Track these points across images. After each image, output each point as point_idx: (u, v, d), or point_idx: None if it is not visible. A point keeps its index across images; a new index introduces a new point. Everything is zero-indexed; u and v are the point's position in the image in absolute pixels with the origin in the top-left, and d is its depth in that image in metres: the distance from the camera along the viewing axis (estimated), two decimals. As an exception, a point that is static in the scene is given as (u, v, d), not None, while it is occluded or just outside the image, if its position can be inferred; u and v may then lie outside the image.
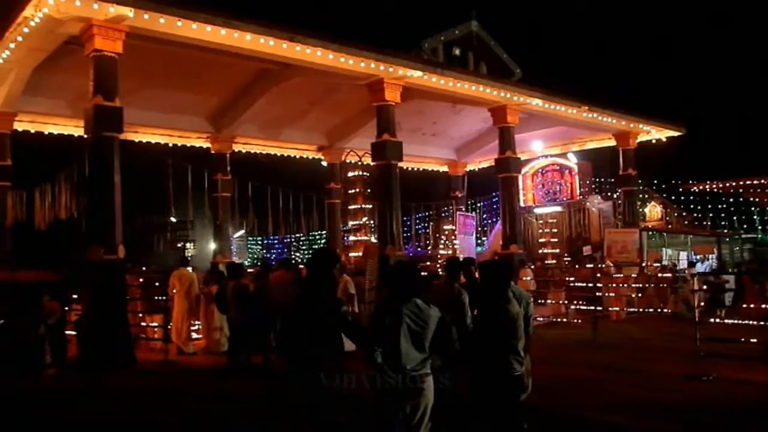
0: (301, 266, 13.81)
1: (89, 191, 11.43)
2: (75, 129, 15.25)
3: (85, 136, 11.27)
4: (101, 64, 10.70)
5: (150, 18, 10.62)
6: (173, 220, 25.65)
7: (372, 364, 4.39)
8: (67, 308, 11.28)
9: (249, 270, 13.87)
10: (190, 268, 13.30)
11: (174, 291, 12.21)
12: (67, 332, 10.88)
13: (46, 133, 16.26)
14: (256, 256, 38.35)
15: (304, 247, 37.56)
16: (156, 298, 12.34)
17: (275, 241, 38.32)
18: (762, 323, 10.06)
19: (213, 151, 18.31)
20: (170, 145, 18.37)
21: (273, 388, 7.53)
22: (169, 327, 11.75)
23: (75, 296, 11.78)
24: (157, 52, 12.64)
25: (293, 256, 32.65)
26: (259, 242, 39.82)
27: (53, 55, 12.16)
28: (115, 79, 10.84)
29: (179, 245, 26.90)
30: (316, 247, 30.57)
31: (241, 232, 30.33)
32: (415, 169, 23.67)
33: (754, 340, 9.47)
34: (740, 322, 11.69)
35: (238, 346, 10.24)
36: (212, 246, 21.30)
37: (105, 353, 10.11)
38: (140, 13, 10.44)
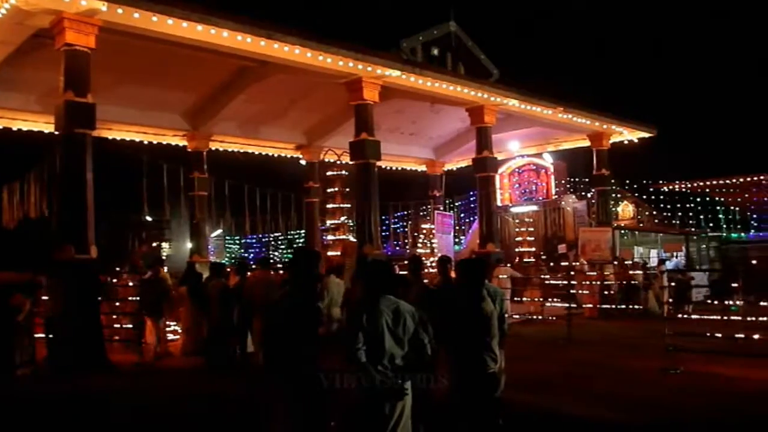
0: (279, 265, 13.82)
1: (60, 189, 11.05)
2: (45, 125, 14.86)
3: (56, 132, 11.01)
4: (73, 59, 10.46)
5: (124, 12, 10.46)
6: (149, 219, 25.42)
7: (354, 363, 4.37)
8: (36, 309, 11.04)
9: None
10: (165, 268, 13.21)
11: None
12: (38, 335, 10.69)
13: (15, 129, 15.80)
14: (234, 255, 38.16)
15: (282, 247, 37.48)
16: (129, 298, 12.26)
17: (253, 241, 38.17)
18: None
19: (190, 149, 18.17)
20: (145, 142, 18.14)
21: (254, 388, 7.52)
22: (145, 328, 11.67)
23: (45, 297, 11.58)
24: (132, 48, 12.48)
25: (272, 256, 32.55)
26: (237, 242, 39.64)
27: (22, 48, 11.89)
28: (87, 74, 10.63)
29: (154, 244, 26.66)
30: (295, 246, 30.54)
31: (219, 231, 30.17)
32: (394, 168, 23.77)
33: (719, 335, 9.74)
34: (706, 317, 11.97)
35: (219, 345, 10.22)
36: (189, 245, 21.17)
37: (76, 354, 9.89)
38: (114, 7, 10.26)
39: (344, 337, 4.58)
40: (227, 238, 35.84)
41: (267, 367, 4.74)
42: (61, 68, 10.53)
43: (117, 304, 12.54)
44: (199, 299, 10.75)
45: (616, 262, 18.43)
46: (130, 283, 12.76)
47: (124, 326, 12.11)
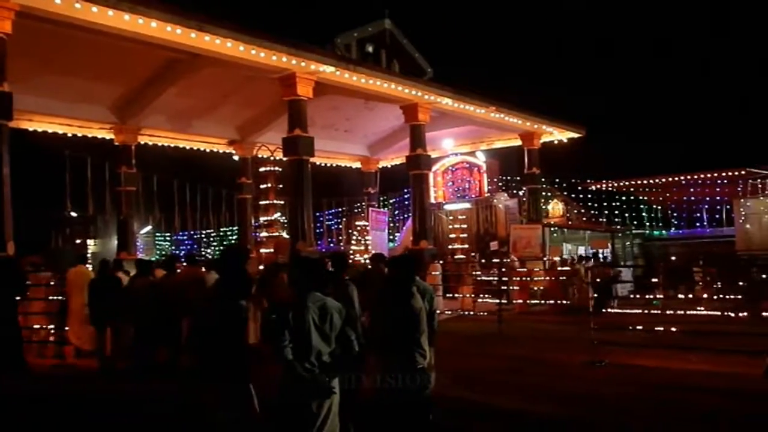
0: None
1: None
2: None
3: (-31, 123, 10.42)
4: (-15, 45, 9.93)
5: (44, -3, 10.00)
6: (73, 215, 24.46)
7: (281, 361, 4.33)
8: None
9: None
10: (89, 266, 12.72)
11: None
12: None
13: None
14: (164, 252, 37.18)
15: (214, 244, 36.74)
16: (50, 298, 11.74)
17: (185, 238, 37.30)
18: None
19: (117, 143, 17.54)
20: (70, 135, 17.45)
21: (185, 388, 7.33)
22: (66, 329, 11.20)
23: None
24: (56, 35, 11.92)
25: (204, 253, 31.90)
26: (168, 238, 38.64)
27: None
28: (3, 61, 10.11)
29: (78, 241, 25.70)
30: (227, 243, 30.01)
31: (148, 227, 29.35)
32: (328, 164, 23.69)
33: (640, 327, 10.15)
34: (628, 311, 12.45)
35: (145, 345, 9.91)
36: (116, 242, 20.48)
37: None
38: (32, -9, 9.82)
39: (270, 334, 4.51)
40: (157, 234, 34.89)
41: (201, 371, 4.64)
42: (-27, 55, 9.97)
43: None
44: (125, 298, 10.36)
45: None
46: (51, 282, 12.21)
47: (43, 327, 11.57)
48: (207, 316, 4.69)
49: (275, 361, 4.36)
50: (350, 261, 10.43)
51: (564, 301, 16.67)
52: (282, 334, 4.32)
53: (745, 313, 11.50)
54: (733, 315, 11.70)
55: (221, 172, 22.05)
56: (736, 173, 26.90)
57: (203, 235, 35.29)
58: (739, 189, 26.64)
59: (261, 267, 14.13)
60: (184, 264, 11.80)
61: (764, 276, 14.86)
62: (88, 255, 20.41)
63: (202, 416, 4.75)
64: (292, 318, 4.34)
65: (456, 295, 17.29)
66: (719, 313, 11.82)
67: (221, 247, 32.65)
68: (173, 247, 38.64)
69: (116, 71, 14.95)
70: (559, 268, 18.50)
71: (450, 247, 21.93)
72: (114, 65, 14.46)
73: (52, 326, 11.37)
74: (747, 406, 7.17)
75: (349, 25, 18.02)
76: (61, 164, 19.36)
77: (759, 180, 26.41)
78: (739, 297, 14.64)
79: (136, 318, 10.13)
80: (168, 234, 35.90)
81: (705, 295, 15.64)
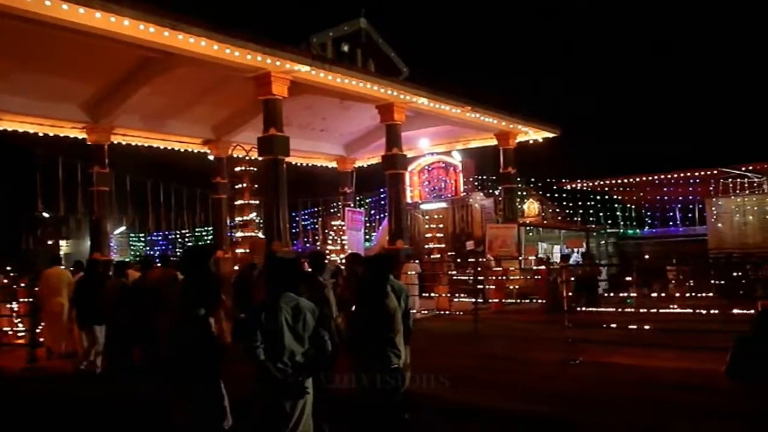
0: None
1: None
2: None
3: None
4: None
5: (10, -8, 9.79)
6: (45, 215, 24.06)
7: (254, 361, 4.31)
8: None
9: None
10: (63, 267, 12.53)
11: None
12: None
13: None
14: (139, 253, 36.74)
15: (190, 244, 36.37)
16: (23, 300, 11.55)
17: (159, 238, 36.88)
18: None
19: (89, 143, 17.32)
20: (41, 134, 17.16)
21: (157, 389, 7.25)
22: (38, 330, 11.03)
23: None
24: (26, 33, 11.73)
25: (179, 253, 31.56)
26: (142, 239, 38.18)
27: None
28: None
29: (50, 242, 25.29)
30: (202, 243, 29.77)
31: (122, 228, 28.98)
32: (304, 164, 23.60)
33: (614, 326, 10.27)
34: (603, 309, 12.58)
35: (119, 346, 9.78)
36: (89, 243, 20.17)
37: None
38: (-2, -13, 9.61)
39: (246, 334, 4.47)
40: (131, 235, 34.46)
41: (170, 371, 4.59)
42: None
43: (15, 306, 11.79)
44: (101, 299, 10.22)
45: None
46: (22, 284, 12.02)
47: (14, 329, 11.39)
48: (174, 319, 4.64)
49: (248, 361, 4.33)
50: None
51: (540, 300, 16.79)
52: (254, 335, 4.29)
53: (717, 311, 11.68)
54: (704, 312, 11.88)
55: (196, 172, 21.85)
56: (709, 173, 27.33)
57: (178, 236, 34.94)
58: (711, 188, 27.07)
59: (236, 267, 14.04)
60: (158, 264, 11.69)
61: (737, 274, 15.14)
62: (61, 256, 20.13)
63: (170, 416, 4.70)
64: (264, 318, 4.31)
65: (432, 294, 17.32)
66: (691, 311, 12.00)
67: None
68: (148, 248, 38.18)
69: (89, 70, 14.75)
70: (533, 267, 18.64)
71: (426, 246, 21.97)
72: (86, 64, 14.26)
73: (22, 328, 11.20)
74: (718, 402, 7.27)
75: (325, 25, 17.97)
76: (31, 164, 19.01)
77: (730, 179, 26.86)
78: (710, 295, 14.91)
79: (108, 319, 10.03)
80: (142, 234, 35.49)
81: (678, 294, 15.88)
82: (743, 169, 26.38)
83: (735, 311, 11.18)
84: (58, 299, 11.30)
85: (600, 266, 19.46)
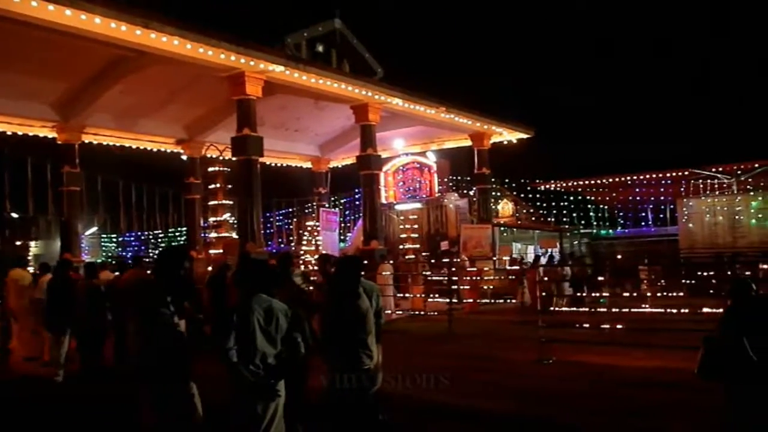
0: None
1: None
2: None
3: None
4: None
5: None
6: (13, 215, 23.62)
7: (226, 363, 4.28)
8: None
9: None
10: (26, 268, 12.32)
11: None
12: None
13: None
14: (111, 254, 36.25)
15: (163, 245, 35.99)
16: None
17: (131, 239, 36.45)
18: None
19: (60, 142, 17.04)
20: (9, 133, 16.83)
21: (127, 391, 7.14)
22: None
23: None
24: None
25: (151, 254, 31.21)
26: (114, 240, 37.69)
27: None
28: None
29: (18, 243, 24.82)
30: (175, 244, 29.46)
31: (93, 228, 28.57)
32: (278, 164, 23.48)
33: (587, 325, 10.38)
34: (576, 309, 12.69)
35: (92, 348, 9.64)
36: (59, 244, 19.83)
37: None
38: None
39: (218, 336, 4.43)
40: (103, 236, 34.00)
41: (140, 372, 4.52)
42: None
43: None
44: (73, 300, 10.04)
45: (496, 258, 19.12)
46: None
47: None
48: (144, 321, 4.58)
49: (222, 362, 4.30)
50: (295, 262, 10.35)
51: (514, 300, 16.90)
52: (227, 337, 4.25)
53: (687, 310, 11.84)
54: (675, 311, 12.04)
55: (169, 172, 21.64)
56: (680, 174, 27.76)
57: (151, 237, 34.58)
58: (682, 189, 27.50)
59: (209, 268, 13.90)
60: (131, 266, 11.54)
61: (711, 274, 15.32)
62: (29, 257, 19.76)
63: (139, 418, 4.64)
64: (236, 320, 4.28)
65: (407, 295, 17.34)
66: (663, 310, 12.15)
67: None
68: (120, 249, 37.70)
69: (59, 68, 14.48)
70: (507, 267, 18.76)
71: (401, 247, 21.99)
72: (57, 62, 14.01)
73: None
74: (691, 399, 7.38)
75: (300, 25, 17.92)
76: (-1, 164, 18.67)
77: (701, 180, 27.32)
78: (681, 294, 15.10)
79: (78, 320, 9.87)
80: (114, 235, 35.06)
81: (649, 294, 16.07)
82: (713, 170, 26.85)
83: (705, 310, 11.34)
84: (21, 301, 11.12)
85: (587, 266, 19.62)
